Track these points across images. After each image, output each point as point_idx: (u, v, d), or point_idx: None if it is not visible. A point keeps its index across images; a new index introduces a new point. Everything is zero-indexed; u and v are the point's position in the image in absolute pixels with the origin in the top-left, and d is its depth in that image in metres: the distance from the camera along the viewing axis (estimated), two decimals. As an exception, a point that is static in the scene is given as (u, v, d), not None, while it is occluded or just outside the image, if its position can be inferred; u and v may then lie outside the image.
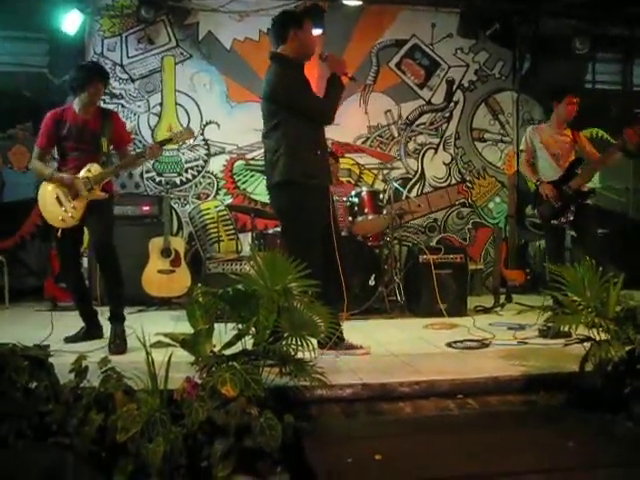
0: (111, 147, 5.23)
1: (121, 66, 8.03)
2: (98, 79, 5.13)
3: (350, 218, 6.68)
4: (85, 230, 5.28)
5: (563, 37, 8.42)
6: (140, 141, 7.94)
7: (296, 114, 4.48)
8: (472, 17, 8.38)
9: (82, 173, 5.03)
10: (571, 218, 5.96)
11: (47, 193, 5.10)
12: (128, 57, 8.09)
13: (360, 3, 7.20)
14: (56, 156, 5.33)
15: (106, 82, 5.32)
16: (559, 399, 3.91)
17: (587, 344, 3.86)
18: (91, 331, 5.32)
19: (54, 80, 7.83)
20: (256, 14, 8.18)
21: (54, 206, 5.06)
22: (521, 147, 6.42)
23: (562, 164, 6.07)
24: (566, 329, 4.39)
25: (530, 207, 6.35)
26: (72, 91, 5.19)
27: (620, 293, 3.98)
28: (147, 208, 7.53)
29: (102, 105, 5.78)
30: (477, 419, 3.70)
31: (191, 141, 7.94)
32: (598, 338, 3.83)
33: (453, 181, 8.78)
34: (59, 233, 5.10)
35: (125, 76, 8.04)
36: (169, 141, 5.35)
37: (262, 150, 7.95)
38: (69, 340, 5.14)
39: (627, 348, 3.68)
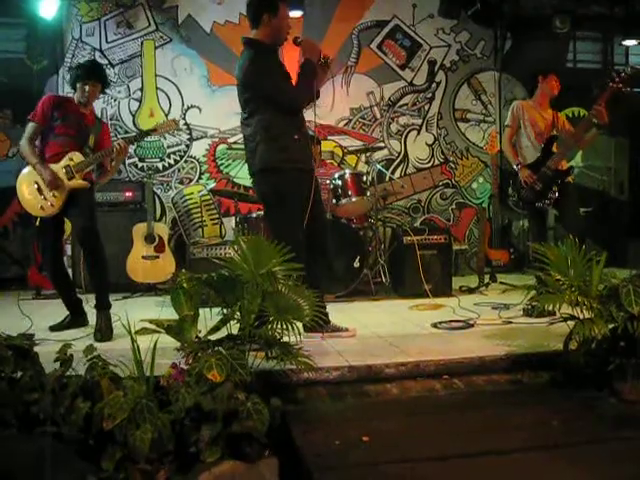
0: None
1: (100, 51, 7.96)
2: (86, 79, 5.11)
3: (334, 200, 6.68)
4: (66, 219, 5.26)
5: (543, 16, 8.40)
6: (121, 127, 7.89)
7: (268, 101, 4.47)
8: (453, -3, 8.36)
9: (63, 162, 5.01)
10: (554, 197, 5.98)
11: (25, 180, 5.07)
12: (107, 42, 8.02)
13: (340, -16, 7.17)
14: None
15: (104, 84, 5.28)
16: (544, 378, 3.94)
17: (571, 323, 3.89)
18: (76, 319, 5.30)
19: (32, 66, 7.75)
20: (236, -4, 8.13)
21: (33, 194, 5.02)
22: (507, 122, 6.39)
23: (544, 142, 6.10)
24: (550, 308, 4.40)
25: (511, 189, 6.37)
26: (71, 86, 5.25)
27: (603, 271, 4.00)
28: (130, 194, 7.49)
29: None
30: (463, 399, 3.72)
31: (175, 131, 7.91)
32: (582, 317, 3.85)
33: (436, 162, 8.79)
34: (37, 222, 5.08)
35: (104, 61, 7.96)
36: (153, 131, 5.34)
37: (244, 134, 8.04)
38: (54, 329, 5.12)
39: (610, 326, 3.71)
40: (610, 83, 5.65)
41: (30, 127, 5.09)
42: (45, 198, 5.00)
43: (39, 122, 5.06)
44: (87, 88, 5.09)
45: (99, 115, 6.03)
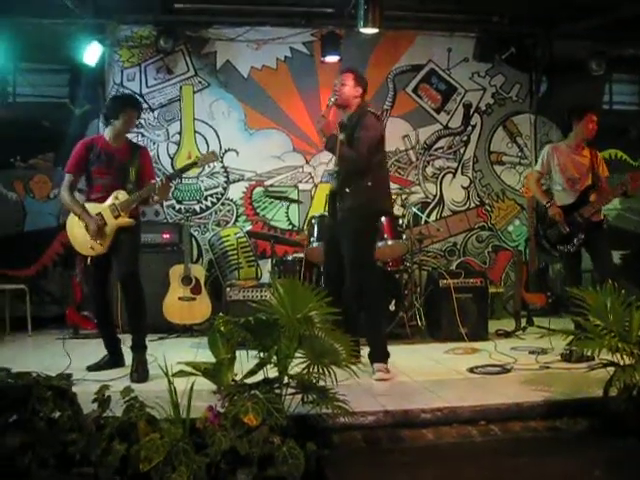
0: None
1: (140, 96, 8.10)
2: (131, 108, 5.26)
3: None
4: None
5: (578, 59, 8.42)
6: (160, 169, 8.01)
7: None
8: (487, 41, 8.38)
9: (109, 201, 5.12)
10: (576, 245, 5.91)
11: (75, 222, 5.18)
12: (147, 87, 8.18)
13: (376, 30, 7.23)
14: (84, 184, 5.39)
15: (139, 111, 5.42)
16: (583, 425, 3.88)
17: (611, 369, 3.84)
18: (113, 359, 5.35)
19: (75, 110, 7.94)
20: (273, 42, 8.27)
21: (83, 235, 5.12)
22: (536, 167, 6.37)
23: (578, 188, 6.01)
24: (589, 353, 4.35)
25: (539, 227, 6.33)
26: (106, 120, 5.36)
27: (643, 316, 3.95)
28: (167, 236, 7.57)
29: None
30: (499, 445, 3.68)
31: (215, 164, 8.05)
32: (622, 362, 3.80)
33: (472, 204, 8.76)
34: (89, 261, 5.20)
35: (144, 105, 8.08)
36: (194, 165, 5.39)
37: (281, 176, 8.14)
38: (92, 369, 5.16)
39: (651, 373, 3.65)
40: None
41: (66, 178, 5.24)
42: (94, 238, 5.10)
43: (73, 173, 5.22)
44: (127, 118, 5.19)
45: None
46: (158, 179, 5.19)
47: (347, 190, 5.03)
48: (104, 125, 5.39)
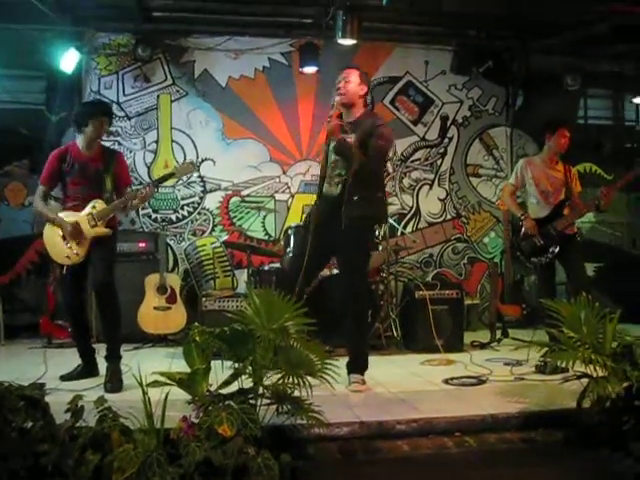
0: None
1: (117, 104, 8.07)
2: (102, 114, 5.22)
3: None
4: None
5: (554, 73, 8.52)
6: (137, 178, 7.96)
7: None
8: (465, 54, 8.44)
9: (87, 209, 5.09)
10: (550, 258, 5.98)
11: (52, 231, 5.15)
12: (124, 95, 8.14)
13: (354, 42, 7.27)
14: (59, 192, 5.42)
15: (110, 117, 5.37)
16: (557, 436, 3.90)
17: (584, 380, 3.86)
18: (87, 368, 5.30)
19: (51, 117, 7.88)
20: (251, 52, 8.27)
21: (60, 244, 5.11)
22: (510, 180, 6.45)
23: (552, 201, 6.10)
24: (563, 365, 4.37)
25: (514, 239, 6.39)
26: (76, 126, 5.28)
27: (617, 328, 3.98)
28: (143, 245, 7.52)
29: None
30: (475, 457, 3.69)
31: (193, 174, 8.03)
32: (595, 374, 3.83)
33: (448, 216, 8.81)
34: (64, 270, 5.19)
35: (121, 114, 8.08)
36: (172, 175, 5.41)
37: (257, 187, 8.13)
38: (65, 378, 5.10)
39: (624, 385, 3.68)
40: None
41: (39, 189, 5.24)
42: (70, 247, 5.08)
43: (46, 184, 5.23)
44: (97, 124, 5.15)
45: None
46: (141, 187, 5.16)
47: (355, 198, 4.80)
48: (76, 132, 5.30)
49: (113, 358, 5.09)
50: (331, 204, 4.89)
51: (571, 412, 3.94)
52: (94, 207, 5.09)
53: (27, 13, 6.85)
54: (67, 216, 5.10)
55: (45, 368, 5.10)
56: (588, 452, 3.61)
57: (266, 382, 3.48)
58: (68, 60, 7.42)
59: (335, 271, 6.15)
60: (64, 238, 5.08)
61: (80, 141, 5.22)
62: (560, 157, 6.18)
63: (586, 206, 6.08)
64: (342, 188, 4.86)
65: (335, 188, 4.92)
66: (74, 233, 5.02)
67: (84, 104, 5.40)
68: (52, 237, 5.15)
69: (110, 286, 5.15)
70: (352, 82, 4.92)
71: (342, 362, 4.75)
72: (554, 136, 6.07)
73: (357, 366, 4.89)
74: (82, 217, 5.07)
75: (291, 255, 5.42)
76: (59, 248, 5.12)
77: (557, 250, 5.95)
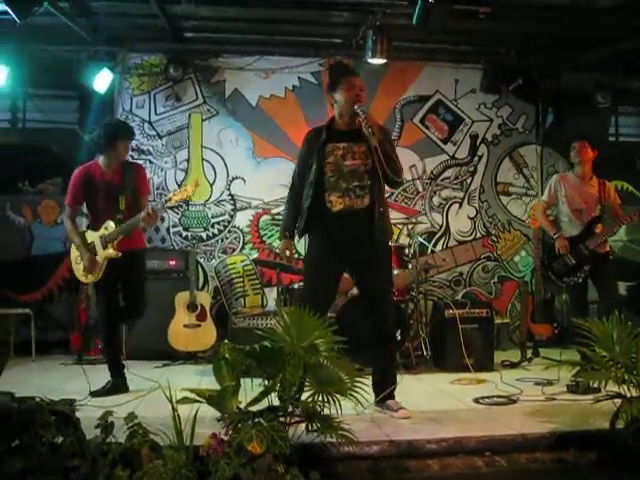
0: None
1: (149, 123, 8.18)
2: (125, 136, 5.42)
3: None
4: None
5: (585, 91, 8.47)
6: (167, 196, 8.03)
7: None
8: (494, 73, 8.44)
9: (100, 231, 5.32)
10: (581, 277, 5.92)
11: (74, 251, 5.48)
12: (156, 114, 8.24)
13: (384, 61, 7.30)
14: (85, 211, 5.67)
15: (132, 139, 5.59)
16: (590, 457, 3.85)
17: (617, 401, 3.81)
18: (117, 385, 5.35)
19: (84, 136, 8.00)
20: (281, 72, 8.34)
21: (80, 262, 5.40)
22: (543, 197, 6.43)
23: (585, 219, 6.05)
24: (595, 385, 4.33)
25: (545, 259, 6.34)
26: (99, 148, 5.45)
27: (650, 348, 3.93)
28: (173, 262, 7.58)
29: (131, 161, 6.07)
30: (505, 477, 3.65)
31: (224, 191, 8.15)
32: (629, 395, 3.78)
33: (478, 235, 8.76)
34: (81, 287, 5.80)
35: (153, 132, 8.19)
36: (168, 201, 5.45)
37: (288, 205, 8.14)
38: (95, 394, 5.15)
39: (659, 405, 3.63)
40: None
41: (67, 209, 5.50)
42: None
43: (72, 204, 5.46)
44: (123, 146, 5.38)
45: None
46: (144, 211, 5.16)
47: (382, 210, 4.62)
48: (100, 150, 5.46)
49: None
50: (352, 219, 4.55)
51: (604, 433, 3.89)
52: (106, 229, 5.30)
53: (61, 34, 6.98)
54: (89, 236, 5.38)
55: (88, 384, 5.19)
56: (621, 474, 3.55)
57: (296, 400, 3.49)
58: (101, 80, 7.53)
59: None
60: (83, 259, 5.35)
61: (103, 162, 5.40)
62: (594, 172, 6.15)
63: (631, 216, 5.99)
64: (370, 200, 4.59)
65: (359, 200, 4.59)
66: (89, 268, 5.32)
67: (108, 126, 5.50)
68: (75, 255, 5.47)
69: (142, 309, 5.61)
70: (365, 91, 4.76)
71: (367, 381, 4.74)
72: (572, 151, 6.09)
73: (394, 389, 4.73)
74: (96, 237, 5.33)
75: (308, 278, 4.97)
76: (79, 266, 5.42)
77: (589, 269, 5.90)
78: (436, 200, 8.69)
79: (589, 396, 4.69)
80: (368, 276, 4.70)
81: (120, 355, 5.68)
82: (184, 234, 8.20)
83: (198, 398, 3.45)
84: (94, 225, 5.41)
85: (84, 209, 5.69)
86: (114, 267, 5.33)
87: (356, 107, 4.58)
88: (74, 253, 5.48)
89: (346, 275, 4.85)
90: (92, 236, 5.36)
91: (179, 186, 8.03)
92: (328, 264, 4.65)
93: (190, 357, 7.09)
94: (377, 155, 4.42)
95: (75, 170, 5.49)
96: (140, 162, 7.92)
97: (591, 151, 6.10)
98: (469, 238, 8.74)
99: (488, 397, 5.11)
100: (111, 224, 5.27)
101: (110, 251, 5.27)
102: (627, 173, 8.90)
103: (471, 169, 8.77)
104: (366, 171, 4.60)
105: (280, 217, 8.17)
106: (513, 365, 6.87)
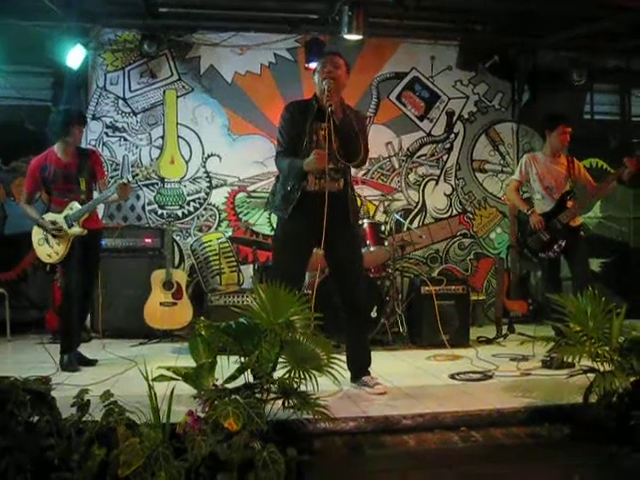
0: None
1: (123, 99, 8.08)
2: (81, 123, 5.63)
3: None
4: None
5: (561, 69, 8.49)
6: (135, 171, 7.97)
7: None
8: (471, 50, 8.42)
9: (64, 212, 5.46)
10: (557, 252, 5.99)
11: (36, 232, 5.60)
12: (130, 91, 8.14)
13: (360, 37, 7.25)
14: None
15: (85, 124, 5.82)
16: (564, 431, 3.90)
17: (591, 375, 3.85)
18: (71, 360, 5.48)
19: (53, 111, 7.88)
20: (257, 48, 8.25)
21: (42, 244, 5.56)
22: (514, 175, 6.48)
23: (556, 196, 6.12)
24: (569, 360, 4.37)
25: (519, 236, 6.40)
26: (54, 135, 5.62)
27: (623, 323, 3.97)
28: (149, 240, 7.53)
29: (104, 139, 6.20)
30: (481, 452, 3.68)
31: (153, 175, 7.94)
32: (602, 369, 3.82)
33: (454, 212, 8.78)
34: (48, 268, 5.86)
35: (127, 109, 8.09)
36: (135, 176, 5.96)
37: (263, 182, 8.11)
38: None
39: (631, 379, 3.67)
40: None
41: (24, 194, 5.68)
42: (51, 247, 5.50)
43: (30, 192, 5.66)
44: (77, 132, 5.54)
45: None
46: (119, 182, 5.43)
47: (352, 191, 4.78)
48: (55, 135, 5.59)
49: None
50: (326, 200, 4.44)
51: (578, 407, 3.94)
52: (70, 209, 5.46)
53: (33, 9, 6.88)
54: (48, 217, 5.51)
55: (55, 363, 5.19)
56: (595, 447, 3.60)
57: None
58: (74, 56, 7.41)
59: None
60: (46, 239, 5.51)
61: (58, 149, 5.56)
62: (569, 150, 6.20)
63: (606, 183, 6.05)
64: (344, 183, 4.68)
65: (335, 183, 4.63)
66: (55, 229, 5.42)
67: (61, 112, 5.76)
68: (37, 237, 5.60)
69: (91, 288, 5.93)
70: (342, 70, 4.65)
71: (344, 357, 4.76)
72: (554, 132, 6.12)
73: (369, 365, 4.80)
74: (60, 218, 5.45)
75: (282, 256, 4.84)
76: (42, 247, 5.56)
77: (563, 244, 5.97)
78: (412, 177, 8.69)
79: (563, 371, 4.74)
80: (340, 253, 4.71)
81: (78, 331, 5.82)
82: (160, 212, 8.14)
83: (174, 376, 3.45)
84: (56, 209, 5.53)
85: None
86: (77, 245, 5.48)
87: (324, 82, 4.54)
88: (36, 235, 5.59)
89: (321, 252, 4.83)
90: (54, 217, 5.49)
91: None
92: (300, 242, 4.65)
93: (166, 335, 7.07)
94: (335, 134, 4.45)
95: (32, 160, 5.69)
96: (114, 139, 7.94)
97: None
98: (445, 215, 8.77)
99: (464, 373, 5.15)
100: (76, 204, 5.44)
101: (76, 229, 5.42)
102: (601, 151, 8.96)
103: (447, 146, 8.77)
104: (336, 154, 4.54)
105: (255, 195, 8.17)
106: (489, 341, 6.93)
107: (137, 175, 5.86)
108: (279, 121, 4.81)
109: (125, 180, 5.45)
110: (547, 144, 6.25)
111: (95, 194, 5.69)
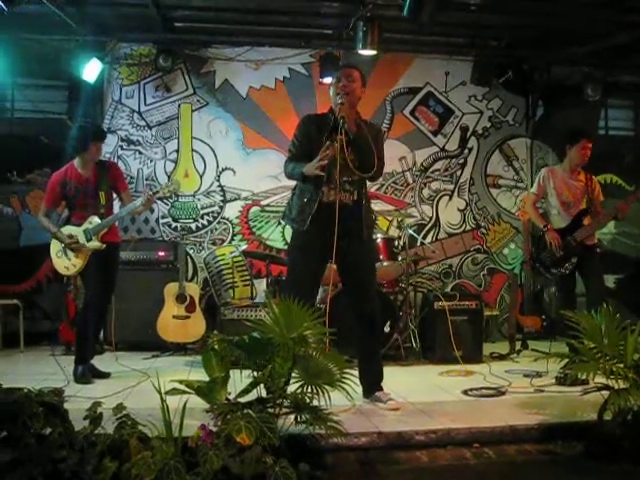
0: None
1: (138, 113, 8.14)
2: (100, 139, 5.69)
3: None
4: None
5: (575, 84, 8.48)
6: (156, 187, 8.00)
7: None
8: (485, 65, 8.42)
9: (83, 226, 5.49)
10: (569, 269, 5.96)
11: (55, 244, 5.63)
12: (145, 104, 8.20)
13: (375, 52, 7.28)
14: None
15: (104, 141, 5.85)
16: (577, 449, 3.87)
17: (605, 392, 3.82)
18: (85, 372, 5.49)
19: (73, 126, 7.94)
20: (272, 63, 8.30)
21: (60, 256, 5.58)
22: (532, 189, 6.44)
23: (573, 212, 6.08)
24: (583, 377, 4.35)
25: (533, 251, 6.37)
26: (73, 151, 5.65)
27: (638, 340, 3.94)
28: (163, 253, 7.56)
29: (119, 152, 6.25)
30: (494, 468, 3.66)
31: (214, 182, 8.13)
32: (616, 386, 3.79)
33: (468, 227, 8.77)
34: (64, 280, 6.00)
35: (142, 123, 8.15)
36: (155, 193, 5.68)
37: (277, 196, 8.12)
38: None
39: (646, 397, 3.64)
40: None
41: (43, 207, 5.70)
42: (69, 259, 5.53)
43: (49, 207, 5.71)
44: (95, 148, 5.59)
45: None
46: (143, 196, 5.51)
47: (368, 205, 4.81)
48: (75, 151, 5.63)
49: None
50: (341, 212, 4.43)
51: (592, 424, 3.91)
52: (90, 223, 5.49)
53: (50, 24, 6.93)
54: (65, 230, 5.54)
55: (65, 376, 5.17)
56: (609, 465, 3.57)
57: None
58: (90, 70, 7.48)
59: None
60: (65, 252, 5.54)
61: (78, 164, 5.60)
62: (582, 168, 6.16)
63: (606, 215, 6.07)
64: (358, 196, 4.66)
65: (349, 195, 4.62)
66: (72, 243, 5.44)
67: (78, 128, 5.86)
68: (55, 249, 5.62)
69: (105, 302, 5.85)
70: (357, 83, 4.65)
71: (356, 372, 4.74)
72: (575, 147, 6.06)
73: (382, 380, 4.77)
74: (79, 231, 5.48)
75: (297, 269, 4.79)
76: (59, 260, 5.60)
77: (576, 261, 5.93)
78: (426, 192, 8.69)
79: (577, 388, 4.71)
80: (353, 267, 4.70)
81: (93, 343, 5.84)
82: (173, 225, 8.17)
83: (187, 389, 3.45)
84: (75, 222, 5.55)
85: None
86: (95, 259, 5.51)
87: (338, 97, 4.57)
88: (54, 248, 5.62)
89: (335, 266, 4.83)
90: (73, 230, 5.51)
91: (168, 177, 8.01)
92: (315, 254, 4.63)
93: (179, 348, 7.08)
94: (349, 148, 4.47)
95: (52, 174, 5.73)
96: (129, 153, 7.99)
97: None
98: (459, 230, 8.75)
99: (477, 389, 5.12)
100: (96, 219, 5.47)
101: (95, 243, 5.45)
102: (616, 166, 8.93)
103: (461, 161, 8.77)
104: (350, 167, 4.54)
105: (269, 209, 8.18)
106: (502, 357, 6.90)
107: (157, 193, 5.73)
108: (294, 132, 4.86)
109: (152, 192, 5.53)
110: (567, 159, 6.19)
111: (115, 206, 5.75)
